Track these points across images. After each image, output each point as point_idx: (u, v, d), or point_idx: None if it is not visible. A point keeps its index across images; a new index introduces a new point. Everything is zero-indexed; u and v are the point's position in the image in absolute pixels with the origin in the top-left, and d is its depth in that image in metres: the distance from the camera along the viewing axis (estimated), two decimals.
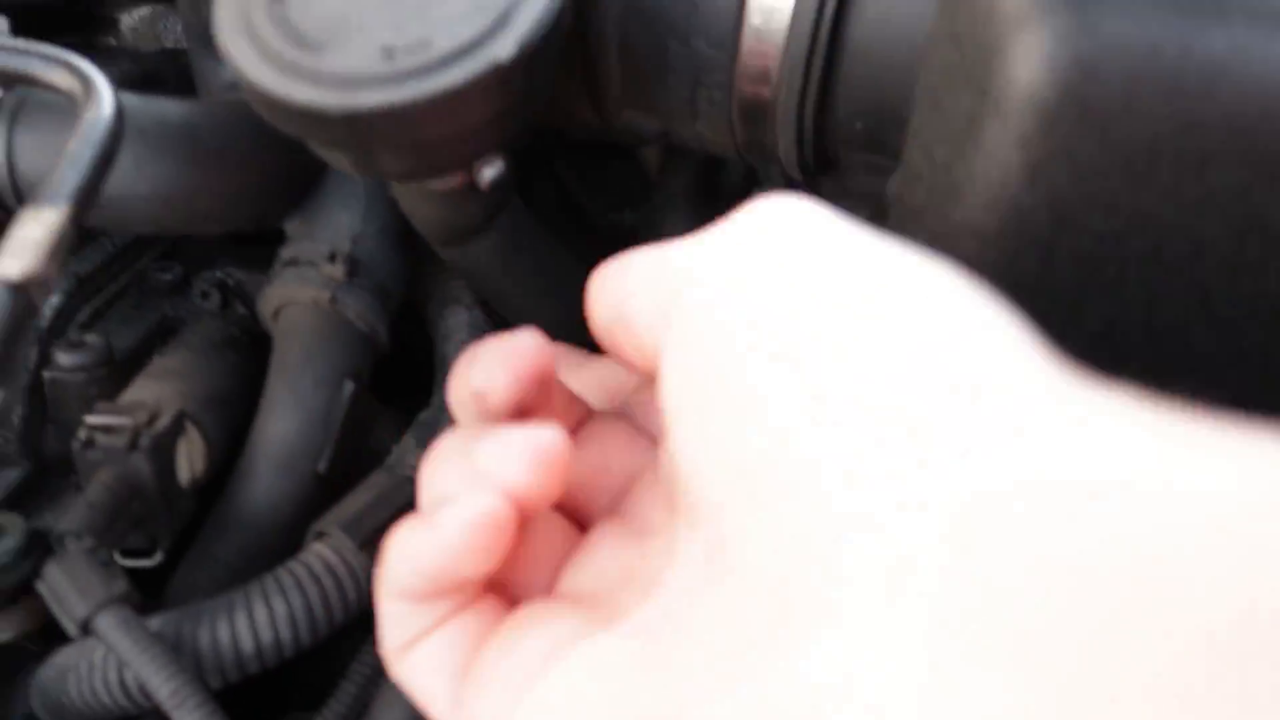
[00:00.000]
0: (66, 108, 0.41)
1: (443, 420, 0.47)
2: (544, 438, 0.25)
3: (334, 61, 0.36)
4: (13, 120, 0.43)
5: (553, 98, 0.48)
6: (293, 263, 0.47)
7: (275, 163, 0.46)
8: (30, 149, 0.43)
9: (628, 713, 0.22)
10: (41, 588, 0.38)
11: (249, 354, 0.51)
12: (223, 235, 0.55)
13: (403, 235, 0.50)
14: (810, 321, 0.22)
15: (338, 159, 0.40)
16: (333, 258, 0.46)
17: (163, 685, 0.36)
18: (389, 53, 0.36)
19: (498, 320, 0.52)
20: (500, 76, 0.36)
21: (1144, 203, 0.29)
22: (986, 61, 0.30)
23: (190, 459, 0.46)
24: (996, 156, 0.30)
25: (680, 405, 0.24)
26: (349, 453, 0.46)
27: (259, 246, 0.53)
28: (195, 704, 0.36)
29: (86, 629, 0.37)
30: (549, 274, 0.50)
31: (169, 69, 0.66)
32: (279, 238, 0.51)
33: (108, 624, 0.37)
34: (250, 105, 0.37)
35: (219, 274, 0.53)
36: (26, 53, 0.40)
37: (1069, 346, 0.34)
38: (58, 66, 0.39)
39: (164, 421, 0.43)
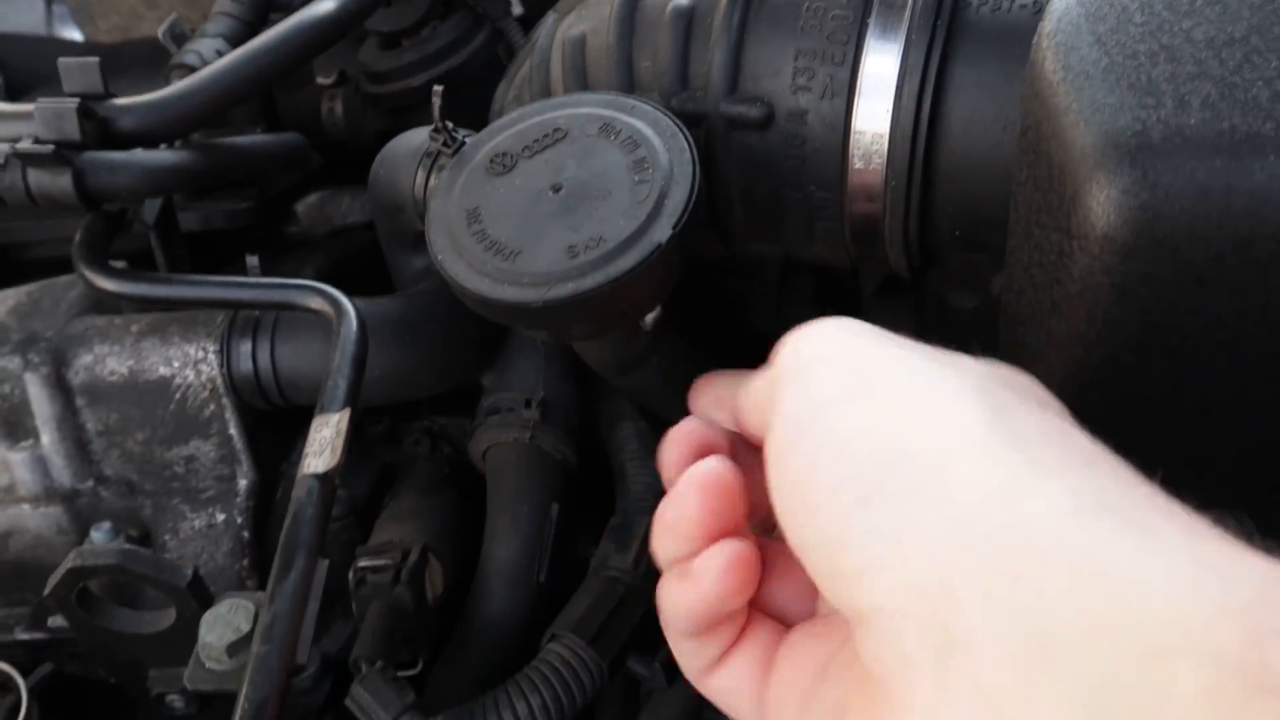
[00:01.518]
0: (309, 321, 0.50)
1: (633, 524, 0.54)
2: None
3: (529, 264, 0.43)
4: (272, 336, 0.53)
5: None
6: (494, 411, 0.55)
7: (472, 334, 0.55)
8: (287, 356, 0.52)
9: None
10: (350, 704, 0.46)
11: (460, 488, 0.59)
12: None
13: (576, 371, 0.58)
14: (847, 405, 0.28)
15: (535, 333, 0.48)
16: (528, 404, 0.54)
17: None
18: (572, 250, 0.43)
19: (660, 426, 0.59)
20: (662, 254, 0.43)
21: (1217, 305, 0.35)
22: (1066, 208, 0.36)
23: (432, 582, 0.54)
24: (1087, 282, 0.36)
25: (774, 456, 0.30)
26: (561, 563, 0.54)
27: (452, 396, 0.62)
28: None
29: None
30: None
31: (344, 250, 0.75)
32: (467, 385, 0.60)
33: None
34: (446, 292, 0.44)
35: (425, 423, 0.62)
36: (286, 286, 0.49)
37: (1167, 428, 0.39)
38: (313, 294, 0.48)
39: (414, 557, 0.51)
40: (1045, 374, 0.40)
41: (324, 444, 0.42)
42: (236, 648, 0.39)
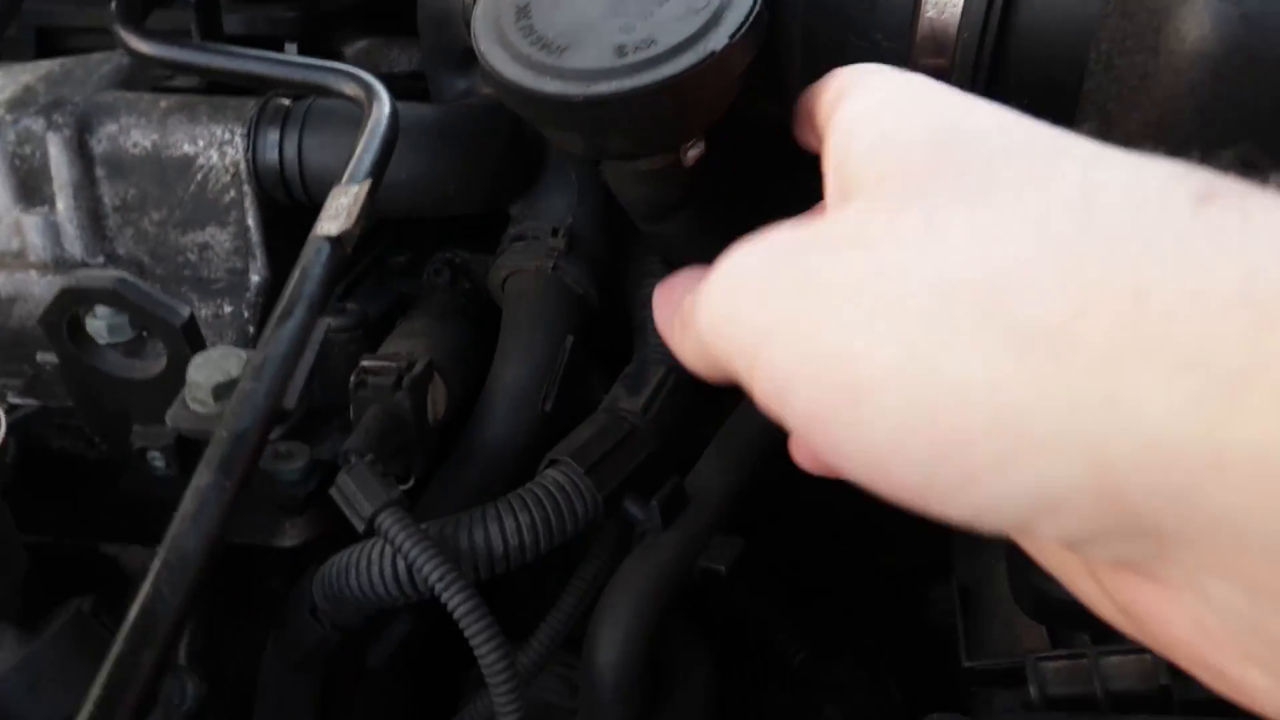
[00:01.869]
0: (339, 116, 0.48)
1: (647, 372, 0.52)
2: None
3: (574, 59, 0.41)
4: (301, 127, 0.51)
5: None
6: (520, 238, 0.53)
7: (505, 153, 0.53)
8: (315, 149, 0.50)
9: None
10: (334, 494, 0.45)
11: (475, 321, 0.57)
12: (443, 223, 0.62)
13: (608, 215, 0.56)
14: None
15: (572, 140, 0.46)
16: (555, 232, 0.52)
17: (433, 571, 0.42)
18: (621, 50, 0.41)
19: None
20: (715, 64, 0.41)
21: None
22: (1157, 25, 0.33)
23: (434, 402, 0.52)
24: (1170, 105, 0.33)
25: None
26: (569, 397, 0.52)
27: (475, 234, 0.60)
28: (459, 588, 0.42)
29: (371, 525, 0.44)
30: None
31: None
32: (490, 226, 0.58)
33: (389, 521, 0.43)
34: (483, 107, 0.42)
35: (447, 255, 0.60)
36: (322, 68, 0.47)
37: None
38: (347, 78, 0.46)
39: (419, 368, 0.49)
40: None
41: (340, 210, 0.40)
42: (223, 390, 0.37)
